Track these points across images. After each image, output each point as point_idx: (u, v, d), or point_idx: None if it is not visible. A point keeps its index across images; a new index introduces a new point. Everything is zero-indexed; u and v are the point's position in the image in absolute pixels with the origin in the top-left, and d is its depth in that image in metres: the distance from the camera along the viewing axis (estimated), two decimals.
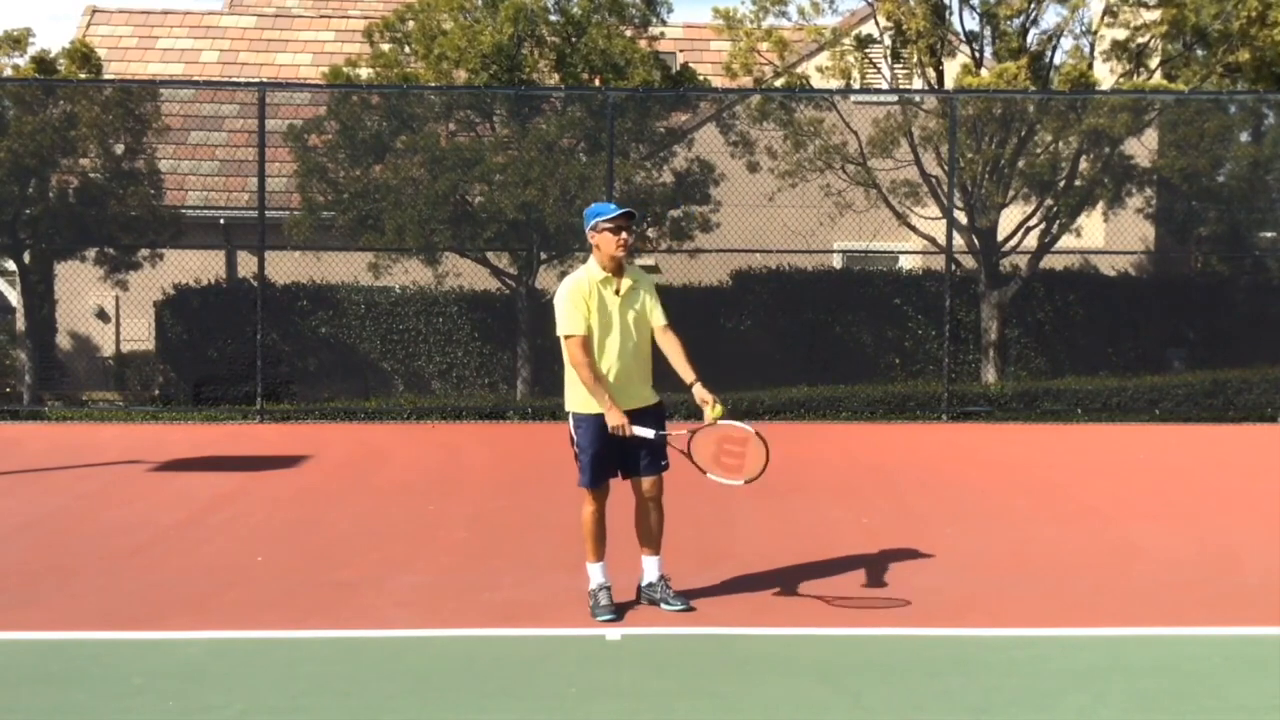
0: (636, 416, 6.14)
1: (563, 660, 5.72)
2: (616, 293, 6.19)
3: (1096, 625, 6.27)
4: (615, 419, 6.02)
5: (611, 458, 6.24)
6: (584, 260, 15.95)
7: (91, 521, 8.57)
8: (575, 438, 6.27)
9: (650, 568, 6.40)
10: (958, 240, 15.16)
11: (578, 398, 6.24)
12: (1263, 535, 8.28)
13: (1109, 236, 17.44)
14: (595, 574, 6.31)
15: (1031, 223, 15.67)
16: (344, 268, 16.11)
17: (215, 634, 6.03)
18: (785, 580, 6.96)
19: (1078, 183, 15.63)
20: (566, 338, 6.11)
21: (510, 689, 5.31)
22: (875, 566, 7.31)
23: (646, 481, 6.31)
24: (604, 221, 6.15)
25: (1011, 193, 15.53)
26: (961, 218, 15.38)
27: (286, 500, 9.48)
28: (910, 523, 8.65)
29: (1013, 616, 6.42)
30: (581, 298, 6.11)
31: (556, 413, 14.23)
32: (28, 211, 15.31)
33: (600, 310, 6.14)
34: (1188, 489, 10.33)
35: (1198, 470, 11.45)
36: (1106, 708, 5.11)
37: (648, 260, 17.24)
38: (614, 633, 6.01)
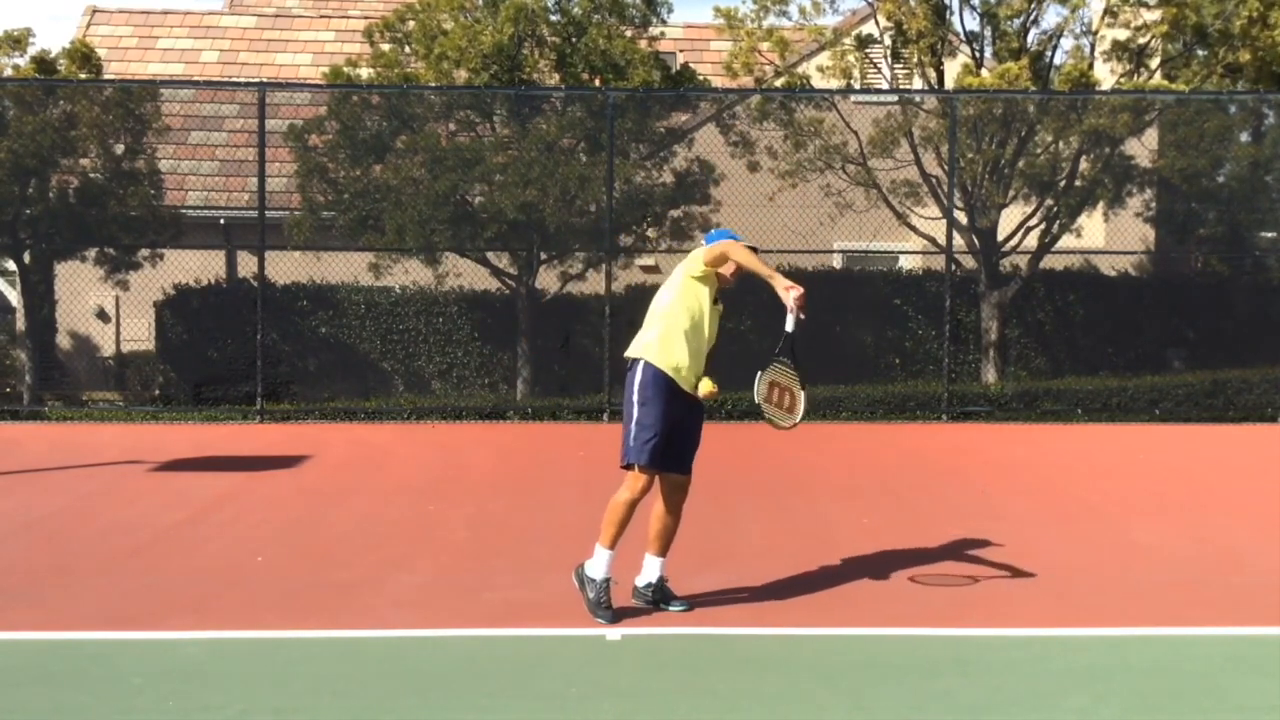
0: (690, 406, 6.21)
1: (563, 660, 5.72)
2: (715, 301, 6.33)
3: (1096, 625, 6.27)
4: (790, 284, 5.93)
5: (673, 446, 6.13)
6: (584, 261, 15.69)
7: (91, 521, 8.56)
8: (639, 414, 6.08)
9: (652, 568, 6.38)
10: (958, 240, 15.16)
11: (663, 355, 6.10)
12: (1263, 535, 8.29)
13: (1109, 236, 17.44)
14: (605, 563, 6.15)
15: (1032, 223, 15.66)
16: (344, 268, 16.12)
17: (215, 634, 6.03)
18: (785, 580, 6.96)
19: (1078, 183, 15.63)
20: (709, 247, 6.11)
21: (510, 689, 5.30)
22: (875, 566, 7.31)
23: (684, 478, 6.28)
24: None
25: (1012, 193, 15.53)
26: (961, 218, 15.38)
27: (286, 500, 9.48)
28: (910, 523, 8.65)
29: (1013, 616, 6.41)
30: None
31: (557, 413, 14.26)
32: (28, 211, 15.31)
33: (703, 300, 6.23)
34: (1188, 489, 10.33)
35: (1198, 470, 11.45)
36: (1106, 708, 5.11)
37: (648, 260, 17.24)
38: (614, 633, 6.01)
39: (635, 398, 6.14)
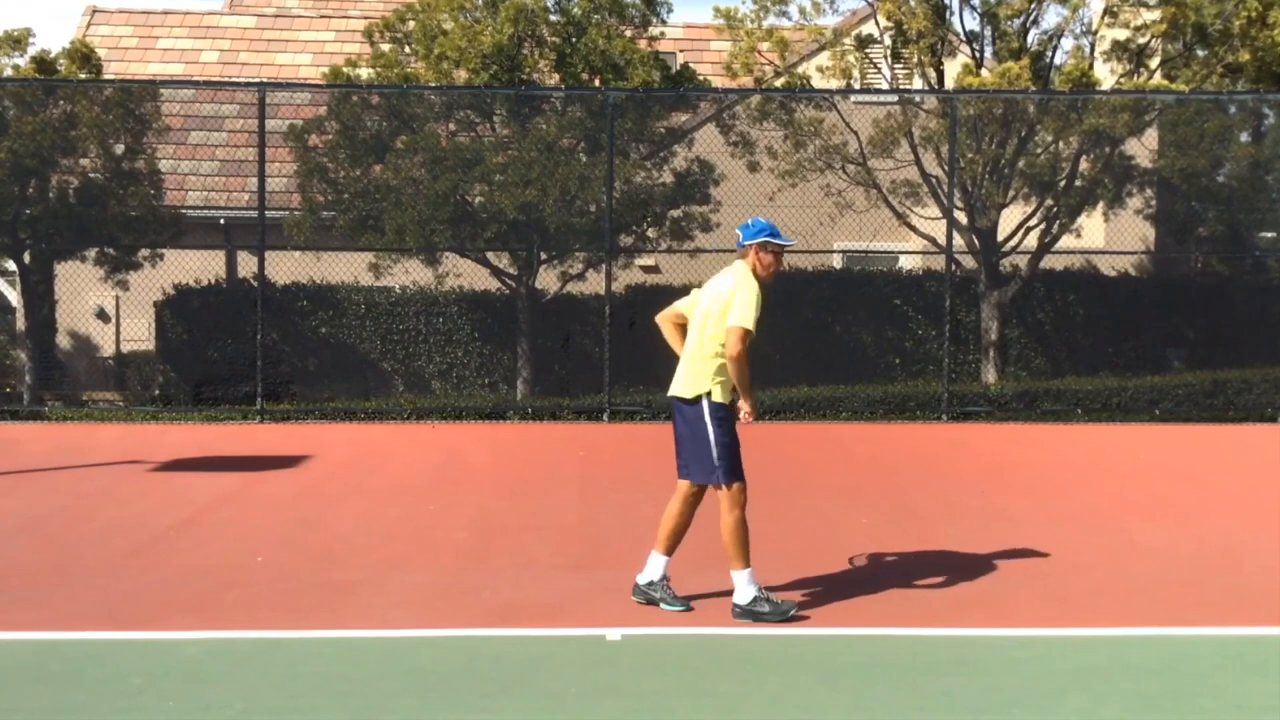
0: None
1: (563, 660, 5.72)
2: None
3: (1096, 625, 6.27)
4: (749, 412, 6.31)
5: None
6: (584, 261, 15.62)
7: (91, 521, 8.56)
8: (716, 434, 6.22)
9: (657, 566, 6.41)
10: (958, 240, 15.16)
11: (721, 388, 6.26)
12: (1263, 535, 8.29)
13: (1109, 236, 17.45)
14: (750, 578, 6.23)
15: (1031, 223, 15.67)
16: (344, 268, 16.13)
17: (215, 634, 6.03)
18: (785, 581, 6.96)
19: (1078, 183, 15.63)
20: (744, 330, 6.14)
21: (510, 689, 5.31)
22: (875, 566, 7.32)
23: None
24: (778, 244, 6.41)
25: (1012, 193, 15.54)
26: (962, 218, 15.38)
27: (286, 500, 9.48)
28: (910, 523, 8.65)
29: (1013, 616, 6.42)
30: (759, 300, 6.29)
31: (557, 413, 14.25)
32: (28, 211, 15.31)
33: None
34: (1188, 489, 10.33)
35: (1198, 470, 11.44)
36: (1106, 708, 5.11)
37: (648, 260, 17.24)
38: (614, 633, 6.01)
39: (709, 421, 6.23)
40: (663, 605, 6.36)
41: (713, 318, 6.27)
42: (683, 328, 6.50)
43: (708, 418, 6.24)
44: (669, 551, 6.40)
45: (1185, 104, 15.53)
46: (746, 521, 6.24)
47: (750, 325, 6.14)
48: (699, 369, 6.30)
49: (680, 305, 6.55)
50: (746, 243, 6.39)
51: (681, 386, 6.35)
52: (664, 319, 6.57)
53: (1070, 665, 5.64)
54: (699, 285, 6.60)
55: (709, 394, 6.25)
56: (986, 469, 11.35)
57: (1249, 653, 5.92)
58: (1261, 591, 6.87)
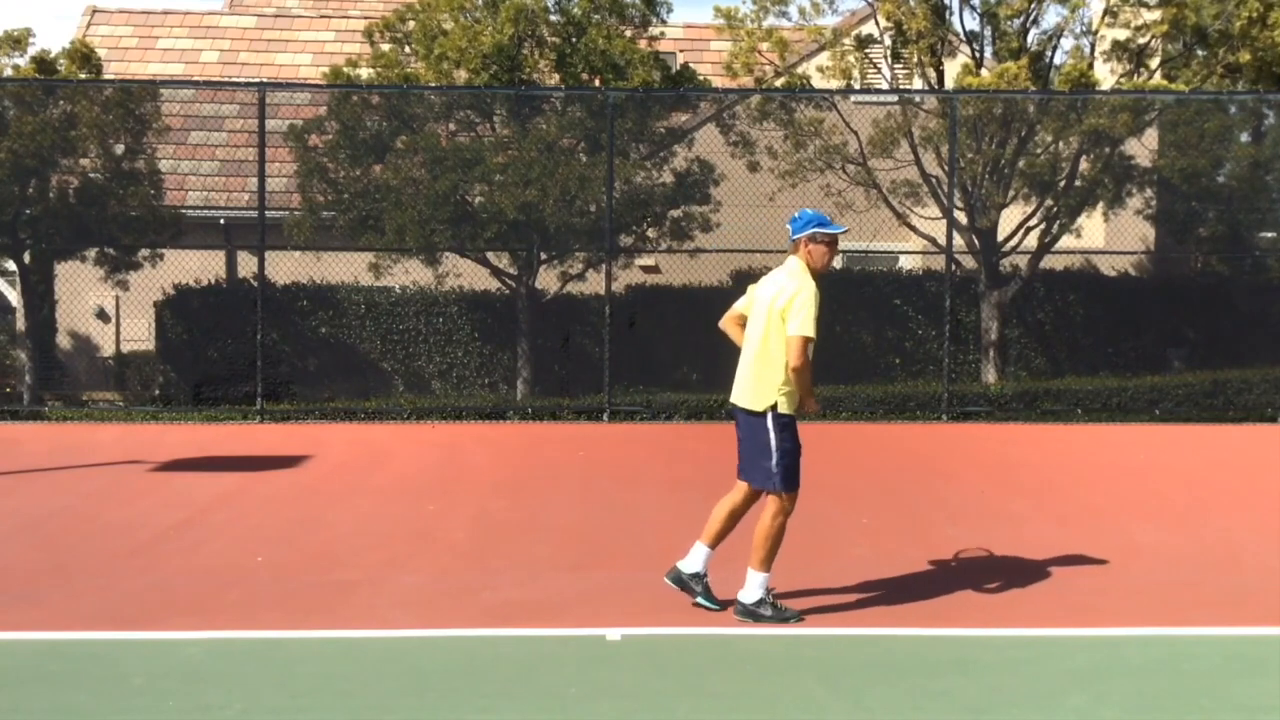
0: None
1: (563, 660, 5.72)
2: None
3: (1096, 625, 6.27)
4: (814, 409, 6.32)
5: None
6: (584, 261, 15.59)
7: (91, 521, 8.56)
8: (778, 441, 6.22)
9: (699, 558, 6.40)
10: (958, 240, 15.16)
11: (786, 399, 6.24)
12: (1263, 535, 8.29)
13: (1109, 236, 17.45)
14: (762, 582, 6.25)
15: (1031, 223, 15.67)
16: (344, 268, 16.13)
17: (215, 634, 6.03)
18: (786, 580, 6.95)
19: (1078, 183, 15.63)
20: (805, 339, 6.10)
21: (510, 689, 5.31)
22: (875, 566, 7.32)
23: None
24: (827, 234, 6.28)
25: (1011, 193, 15.54)
26: (962, 218, 15.38)
27: (286, 500, 9.48)
28: (910, 523, 8.65)
29: (1013, 616, 6.42)
30: (817, 298, 6.21)
31: (557, 413, 14.26)
32: (28, 211, 15.32)
33: None
34: (1188, 489, 10.33)
35: (1198, 470, 11.44)
36: (1106, 708, 5.11)
37: (648, 260, 17.23)
38: (614, 633, 6.01)
39: (772, 429, 6.24)
40: (699, 599, 6.37)
41: (774, 319, 6.18)
42: (745, 327, 6.47)
43: (770, 425, 6.24)
44: (714, 544, 6.40)
45: (1185, 104, 15.53)
46: (785, 531, 6.25)
47: (811, 332, 6.10)
48: (764, 378, 6.24)
49: (739, 306, 6.53)
50: (796, 236, 6.29)
51: (746, 397, 6.30)
52: (727, 323, 6.59)
53: (1070, 665, 5.64)
54: (755, 282, 6.55)
55: (774, 406, 6.22)
56: (986, 469, 11.35)
57: (1249, 653, 5.92)
58: (1261, 591, 6.88)
